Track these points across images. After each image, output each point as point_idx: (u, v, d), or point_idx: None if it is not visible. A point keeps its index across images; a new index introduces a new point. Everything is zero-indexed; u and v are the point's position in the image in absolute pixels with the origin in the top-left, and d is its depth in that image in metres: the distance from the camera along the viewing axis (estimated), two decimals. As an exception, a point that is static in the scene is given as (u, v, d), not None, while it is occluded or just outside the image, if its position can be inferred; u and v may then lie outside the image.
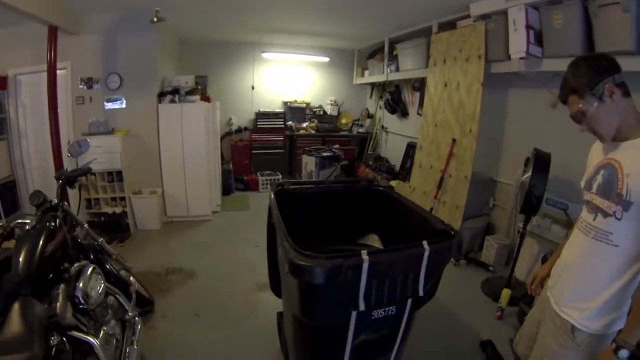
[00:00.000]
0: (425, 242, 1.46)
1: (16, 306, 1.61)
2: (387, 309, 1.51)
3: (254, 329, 2.79)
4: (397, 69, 5.33)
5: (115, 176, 4.73)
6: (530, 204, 2.68)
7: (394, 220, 2.29)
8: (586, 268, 1.33)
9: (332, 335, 1.53)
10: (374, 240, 2.55)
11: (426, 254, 1.44)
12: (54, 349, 1.57)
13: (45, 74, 4.08)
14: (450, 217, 3.85)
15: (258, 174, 6.57)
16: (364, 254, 1.36)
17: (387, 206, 2.39)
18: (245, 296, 3.21)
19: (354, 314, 1.45)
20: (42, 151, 4.46)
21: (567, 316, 1.36)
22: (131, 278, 2.98)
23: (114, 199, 4.81)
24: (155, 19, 3.96)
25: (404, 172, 5.42)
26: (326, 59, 6.93)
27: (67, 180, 2.42)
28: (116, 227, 4.68)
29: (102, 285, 2.15)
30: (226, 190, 6.24)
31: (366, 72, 6.55)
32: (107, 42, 4.69)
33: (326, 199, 2.55)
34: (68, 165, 2.48)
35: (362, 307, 1.42)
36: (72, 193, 4.61)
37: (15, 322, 1.53)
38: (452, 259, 3.68)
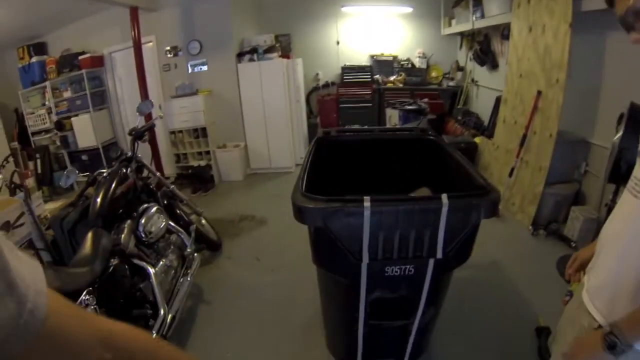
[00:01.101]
0: (444, 196, 1.30)
1: (89, 234, 1.96)
2: (403, 267, 1.40)
3: (307, 276, 2.89)
4: (482, 16, 4.75)
5: (200, 132, 5.16)
6: (619, 170, 2.22)
7: (444, 173, 2.12)
8: (626, 241, 0.93)
9: (346, 286, 1.49)
10: (425, 194, 2.41)
11: (444, 209, 1.28)
12: (111, 268, 1.90)
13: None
14: (532, 179, 3.46)
15: (346, 127, 6.53)
16: (367, 201, 1.27)
17: (438, 157, 2.22)
18: (306, 245, 3.32)
19: (364, 266, 1.39)
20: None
21: (597, 313, 0.97)
22: (203, 221, 3.31)
23: (199, 153, 5.27)
24: None
25: (492, 128, 4.95)
26: (409, 9, 6.44)
27: (137, 134, 2.70)
28: (202, 178, 5.14)
29: (164, 223, 2.43)
30: (314, 144, 6.42)
31: (453, 22, 5.96)
32: (184, 13, 5.06)
33: (376, 147, 2.46)
34: (138, 122, 2.76)
35: (365, 259, 1.35)
36: (165, 148, 5.21)
37: (86, 246, 1.88)
38: (530, 228, 3.36)
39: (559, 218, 3.45)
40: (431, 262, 1.41)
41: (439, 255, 1.37)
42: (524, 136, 3.53)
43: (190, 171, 5.22)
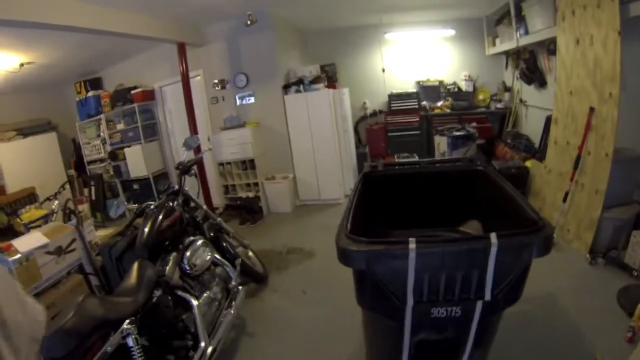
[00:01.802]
0: (493, 235, 1.22)
1: (135, 265, 2.04)
2: (450, 309, 1.34)
3: (352, 311, 2.82)
4: (527, 32, 4.59)
5: (248, 164, 5.29)
6: None
7: (494, 204, 2.02)
8: None
9: (390, 327, 1.43)
10: (475, 227, 2.31)
11: (494, 249, 1.21)
12: (155, 299, 1.96)
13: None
14: (588, 203, 3.22)
15: (395, 156, 6.39)
16: (412, 242, 1.22)
17: (487, 188, 2.12)
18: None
19: (408, 308, 1.33)
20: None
21: None
22: (250, 253, 3.34)
23: (248, 184, 5.38)
24: (248, 22, 4.42)
25: (543, 150, 4.71)
26: (452, 32, 6.38)
27: (184, 169, 2.79)
28: (250, 210, 5.23)
29: (209, 256, 2.48)
30: (363, 174, 6.42)
31: (497, 41, 5.82)
32: (230, 47, 5.29)
33: (423, 180, 2.41)
34: (185, 157, 2.87)
35: (410, 302, 1.29)
36: (214, 180, 5.38)
37: (132, 276, 1.96)
38: (587, 256, 3.12)
39: (618, 244, 3.16)
40: (479, 303, 1.33)
41: (487, 297, 1.29)
42: (578, 157, 3.31)
43: (238, 202, 5.34)
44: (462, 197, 2.32)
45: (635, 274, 2.83)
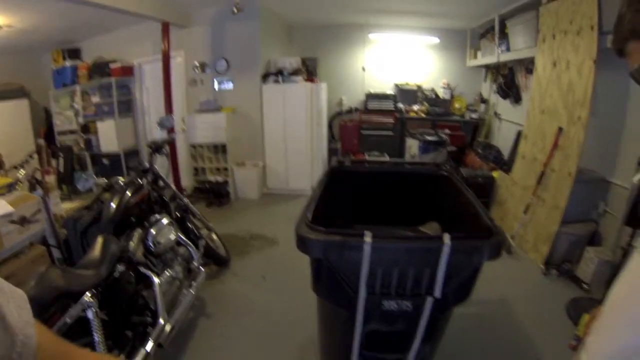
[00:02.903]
0: (446, 236, 1.28)
1: (100, 239, 2.02)
2: (401, 302, 1.39)
3: (309, 300, 2.87)
4: (508, 49, 4.75)
5: (220, 148, 5.28)
6: (636, 213, 2.17)
7: (455, 209, 2.10)
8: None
9: (343, 317, 1.48)
10: (434, 229, 2.39)
11: (446, 249, 1.27)
12: (117, 273, 1.97)
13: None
14: (547, 218, 3.39)
15: (366, 154, 6.51)
16: (368, 236, 1.26)
17: (450, 193, 2.19)
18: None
19: (361, 298, 1.38)
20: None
21: None
22: (214, 236, 3.36)
23: (218, 169, 5.37)
24: (235, 10, 4.40)
25: (511, 163, 4.87)
26: (436, 40, 6.50)
27: (156, 147, 2.78)
28: (218, 194, 5.23)
29: (173, 235, 2.48)
30: (332, 168, 6.47)
31: (479, 54, 5.97)
32: (214, 31, 5.24)
33: (389, 180, 2.47)
34: (159, 135, 2.85)
35: (362, 293, 1.34)
36: (185, 161, 5.33)
37: (95, 249, 1.94)
38: (542, 267, 3.27)
39: (572, 258, 3.34)
40: (429, 300, 1.39)
41: (437, 294, 1.35)
42: (542, 173, 3.47)
43: (207, 185, 5.33)
44: (425, 200, 2.40)
45: (586, 287, 3.00)
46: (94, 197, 2.68)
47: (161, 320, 2.07)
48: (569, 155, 3.20)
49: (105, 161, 5.81)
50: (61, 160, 5.80)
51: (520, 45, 4.44)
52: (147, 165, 2.67)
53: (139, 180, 2.49)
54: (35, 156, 5.28)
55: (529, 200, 3.61)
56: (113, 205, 2.23)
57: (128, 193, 2.31)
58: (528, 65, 4.69)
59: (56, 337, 0.49)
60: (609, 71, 2.98)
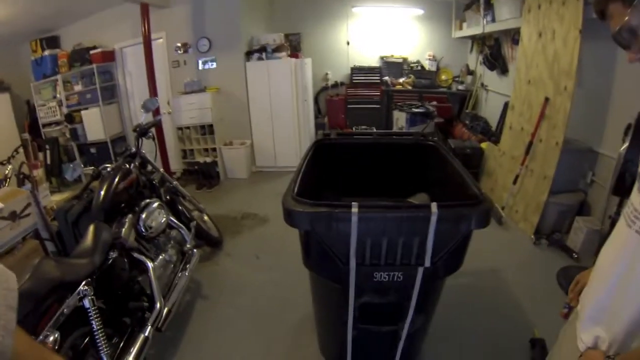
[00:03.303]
0: (434, 205, 1.28)
1: (91, 227, 2.00)
2: (392, 273, 1.41)
3: (304, 276, 2.91)
4: (493, 20, 4.71)
5: (207, 129, 5.23)
6: (623, 183, 2.17)
7: (443, 179, 2.11)
8: (619, 273, 0.86)
9: (335, 290, 1.50)
10: (423, 200, 2.41)
11: (433, 218, 1.27)
12: (111, 261, 1.96)
13: (143, 45, 4.68)
14: (536, 187, 3.43)
15: (353, 128, 6.49)
16: (354, 207, 1.27)
17: (437, 163, 2.20)
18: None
19: (352, 270, 1.39)
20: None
21: (580, 341, 0.95)
22: (205, 218, 3.36)
23: (206, 149, 5.33)
24: None
25: (499, 134, 4.90)
26: (420, 11, 6.43)
27: (141, 131, 2.74)
28: (207, 175, 5.20)
29: (165, 219, 2.47)
30: (320, 143, 6.46)
31: (464, 25, 5.92)
32: (195, 10, 5.13)
33: (376, 151, 2.46)
34: (143, 119, 2.81)
35: (352, 264, 1.35)
36: (172, 144, 5.28)
37: (88, 238, 1.93)
38: (532, 237, 3.33)
39: (562, 228, 3.42)
40: (420, 270, 1.40)
41: (427, 264, 1.37)
42: (530, 143, 3.50)
43: (196, 167, 5.29)
44: (412, 170, 2.41)
45: (575, 256, 3.07)
46: (83, 186, 2.66)
47: (157, 305, 2.09)
48: (555, 125, 3.22)
49: (92, 150, 5.73)
50: (48, 153, 5.72)
51: (505, 15, 4.40)
52: (133, 149, 2.64)
53: (127, 166, 2.47)
54: (21, 151, 5.20)
55: (517, 171, 3.65)
56: (102, 192, 2.22)
57: (116, 179, 2.29)
58: (514, 35, 4.67)
59: (34, 342, 0.51)
60: (595, 41, 2.96)
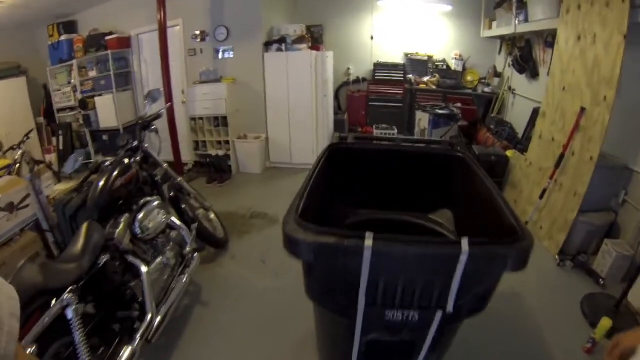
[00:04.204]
0: (465, 242, 1.05)
1: (84, 227, 1.86)
2: (407, 313, 1.21)
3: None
4: (526, 19, 4.41)
5: (221, 121, 5.07)
6: None
7: (470, 196, 1.89)
8: None
9: (341, 323, 1.32)
10: (446, 218, 2.20)
11: (463, 258, 1.04)
12: (101, 264, 1.82)
13: (159, 32, 4.53)
14: (565, 204, 3.17)
15: (374, 126, 6.27)
16: (369, 238, 1.05)
17: (465, 177, 1.97)
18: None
19: (360, 309, 1.20)
20: (161, 98, 5.01)
21: None
22: (212, 216, 3.22)
23: (219, 142, 5.18)
24: None
25: (526, 142, 4.62)
26: (448, 8, 6.13)
27: (144, 123, 2.60)
28: (219, 168, 5.07)
29: (164, 219, 2.32)
30: (339, 141, 6.28)
31: (494, 24, 5.62)
32: (213, -2, 4.88)
33: (397, 159, 2.23)
34: (147, 110, 2.66)
35: (362, 303, 1.16)
36: (185, 134, 5.15)
37: (79, 239, 1.79)
38: (556, 257, 3.08)
39: (589, 249, 3.15)
40: (439, 312, 1.21)
41: (450, 308, 1.17)
42: (562, 156, 3.23)
43: (208, 160, 5.15)
44: (436, 183, 2.18)
45: (602, 282, 2.81)
46: (82, 178, 2.54)
47: (149, 316, 1.95)
48: (591, 138, 2.95)
49: (104, 137, 5.65)
50: (61, 138, 5.68)
51: (539, 15, 4.11)
52: (135, 143, 2.48)
53: (127, 160, 2.32)
54: (32, 136, 5.16)
55: (545, 184, 3.40)
56: (97, 189, 2.07)
57: (114, 175, 2.14)
58: (547, 38, 4.38)
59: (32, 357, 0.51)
60: (638, 47, 2.71)
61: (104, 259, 1.87)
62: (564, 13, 3.46)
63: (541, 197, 3.43)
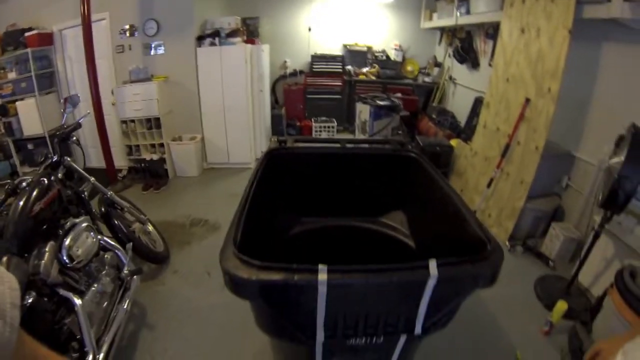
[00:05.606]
0: (433, 265, 0.97)
1: (2, 263, 1.58)
2: (370, 338, 1.12)
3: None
4: (468, 12, 4.49)
5: (153, 123, 4.73)
6: (615, 198, 1.98)
7: (424, 197, 1.83)
8: None
9: (297, 350, 1.20)
10: (399, 220, 2.14)
11: (432, 282, 0.96)
12: (27, 306, 1.55)
13: (86, 27, 4.09)
14: (512, 192, 3.26)
15: (312, 119, 6.21)
16: (322, 272, 0.92)
17: (417, 178, 1.90)
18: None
19: (319, 342, 1.09)
20: (89, 100, 4.56)
21: None
22: (150, 228, 2.98)
23: (153, 145, 4.83)
24: None
25: (469, 131, 4.72)
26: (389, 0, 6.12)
27: (63, 135, 2.32)
28: (155, 173, 4.75)
29: (94, 241, 2.08)
30: (277, 137, 6.11)
31: (434, 16, 5.68)
32: (142, -12, 4.48)
33: (343, 161, 2.12)
34: (64, 120, 2.38)
35: (320, 336, 1.05)
36: (117, 139, 4.76)
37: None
38: (507, 243, 3.16)
39: (536, 233, 3.29)
40: (403, 336, 1.13)
41: (417, 331, 1.09)
42: (507, 146, 3.32)
43: (142, 165, 4.78)
44: (387, 184, 2.11)
45: (551, 263, 2.93)
46: (-2, 201, 2.21)
47: (90, 356, 1.72)
48: (536, 129, 3.03)
49: (30, 146, 5.09)
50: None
51: (482, 8, 4.18)
52: (55, 157, 2.20)
53: (45, 180, 2.02)
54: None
55: (492, 174, 3.47)
56: (13, 219, 1.78)
57: (31, 199, 1.86)
58: (488, 30, 4.48)
59: (34, 340, 0.54)
60: (582, 43, 2.83)
61: (29, 299, 1.61)
62: (507, 6, 3.52)
63: (488, 185, 3.51)
